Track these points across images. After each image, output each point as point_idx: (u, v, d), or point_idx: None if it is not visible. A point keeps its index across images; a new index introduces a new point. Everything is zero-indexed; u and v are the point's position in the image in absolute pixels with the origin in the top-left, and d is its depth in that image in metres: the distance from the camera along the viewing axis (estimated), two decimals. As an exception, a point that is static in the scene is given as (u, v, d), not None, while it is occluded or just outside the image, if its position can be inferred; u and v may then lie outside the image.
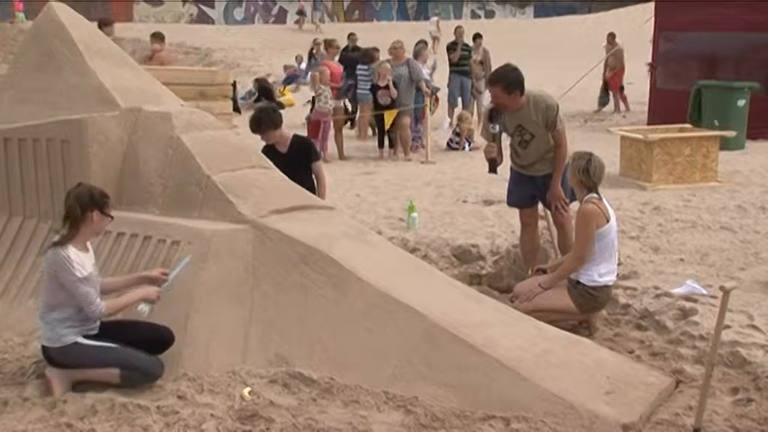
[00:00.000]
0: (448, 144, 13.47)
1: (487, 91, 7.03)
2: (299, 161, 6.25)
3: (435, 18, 30.92)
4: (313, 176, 6.48)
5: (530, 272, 5.74)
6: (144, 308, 4.25)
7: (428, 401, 4.01)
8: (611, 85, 17.10)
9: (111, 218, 4.35)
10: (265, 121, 6.38)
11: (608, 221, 5.05)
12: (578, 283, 5.09)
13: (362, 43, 16.81)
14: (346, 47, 16.97)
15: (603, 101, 17.37)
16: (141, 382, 4.16)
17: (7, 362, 4.48)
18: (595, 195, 5.09)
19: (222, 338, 4.44)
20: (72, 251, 4.13)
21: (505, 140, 6.04)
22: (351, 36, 17.82)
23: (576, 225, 5.14)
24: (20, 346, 4.64)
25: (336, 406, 4.02)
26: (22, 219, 5.34)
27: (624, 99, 17.22)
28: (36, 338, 4.66)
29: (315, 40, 18.26)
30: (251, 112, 7.85)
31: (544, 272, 5.40)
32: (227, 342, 4.44)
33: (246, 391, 4.12)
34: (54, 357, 4.19)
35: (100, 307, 4.12)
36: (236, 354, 4.42)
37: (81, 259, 4.15)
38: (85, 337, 4.21)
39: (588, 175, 5.07)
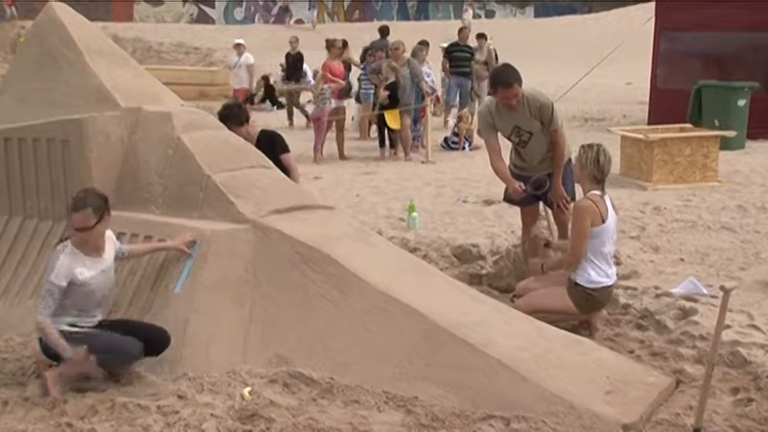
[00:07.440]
0: (445, 142, 13.38)
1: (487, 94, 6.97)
2: (266, 155, 6.15)
3: (468, 8, 31.01)
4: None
5: (539, 264, 5.72)
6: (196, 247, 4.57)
7: (428, 401, 4.00)
8: None
9: (109, 214, 4.36)
10: (230, 117, 6.21)
11: (604, 222, 5.00)
12: (576, 284, 5.08)
13: (363, 43, 16.62)
14: None
15: None
16: (118, 363, 4.20)
17: (7, 362, 4.49)
18: (597, 192, 5.05)
19: (222, 338, 4.43)
20: (69, 255, 4.18)
21: (503, 140, 6.03)
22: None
23: (572, 220, 5.13)
24: (20, 346, 4.65)
25: (337, 406, 4.02)
26: (22, 219, 5.35)
27: None
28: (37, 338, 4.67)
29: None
30: (260, 113, 7.75)
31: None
32: (228, 342, 4.44)
33: (247, 390, 4.12)
34: (42, 348, 4.24)
35: (41, 317, 4.12)
36: (236, 354, 4.42)
37: (76, 264, 4.18)
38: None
39: (599, 165, 5.02)
